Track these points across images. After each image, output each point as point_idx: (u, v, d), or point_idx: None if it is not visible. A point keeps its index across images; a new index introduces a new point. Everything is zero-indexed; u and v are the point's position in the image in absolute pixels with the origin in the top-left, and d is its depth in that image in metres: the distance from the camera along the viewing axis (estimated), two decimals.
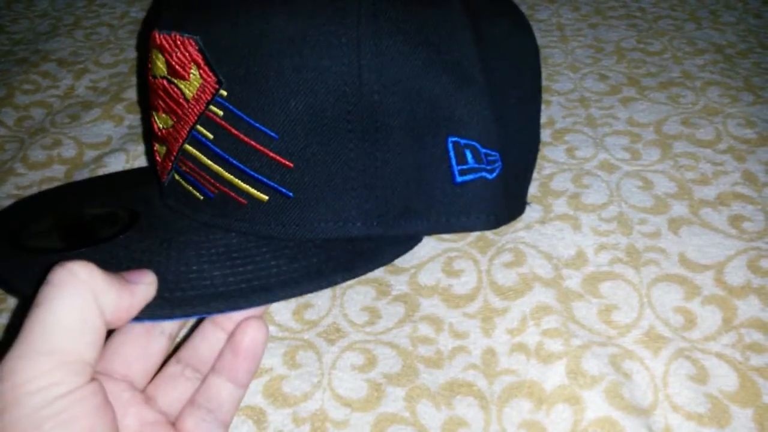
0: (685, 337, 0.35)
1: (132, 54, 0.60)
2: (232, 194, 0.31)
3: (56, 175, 0.48)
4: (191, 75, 0.30)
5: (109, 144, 0.50)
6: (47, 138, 0.51)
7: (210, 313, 0.29)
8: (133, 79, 0.57)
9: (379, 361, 0.35)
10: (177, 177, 0.33)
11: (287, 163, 0.30)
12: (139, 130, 0.51)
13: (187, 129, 0.31)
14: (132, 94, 0.55)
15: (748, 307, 0.36)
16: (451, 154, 0.31)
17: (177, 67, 0.30)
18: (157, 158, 0.35)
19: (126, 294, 0.26)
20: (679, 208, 0.42)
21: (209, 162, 0.31)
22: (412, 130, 0.30)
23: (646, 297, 0.37)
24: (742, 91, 0.52)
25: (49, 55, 0.60)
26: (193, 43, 0.30)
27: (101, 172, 0.47)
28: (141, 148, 0.49)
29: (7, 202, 0.45)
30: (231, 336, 0.30)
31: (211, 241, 0.32)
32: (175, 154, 0.32)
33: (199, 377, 0.30)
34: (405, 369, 0.34)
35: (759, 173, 0.44)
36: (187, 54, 0.30)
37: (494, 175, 0.32)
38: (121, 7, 0.67)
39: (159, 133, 0.34)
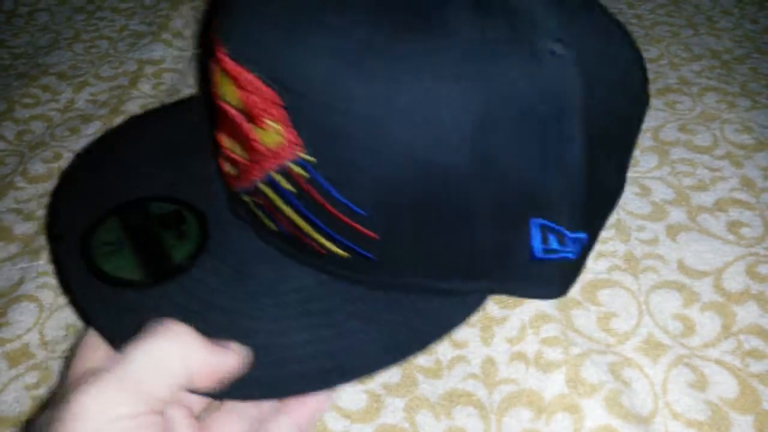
0: (685, 344, 0.35)
1: (132, 66, 0.60)
2: (312, 243, 0.30)
3: None
4: (271, 128, 0.27)
5: None
6: (47, 151, 0.51)
7: (293, 395, 0.29)
8: (133, 92, 0.57)
9: None
10: (248, 200, 0.31)
11: (373, 235, 0.28)
12: None
13: (263, 173, 0.29)
14: (132, 106, 0.55)
15: (747, 314, 0.36)
16: (535, 234, 0.29)
17: (254, 113, 0.27)
18: (224, 168, 0.32)
19: (214, 357, 0.27)
20: (677, 215, 0.42)
21: (288, 210, 0.29)
22: (501, 215, 0.28)
23: (644, 304, 0.37)
24: (739, 97, 0.52)
25: (48, 68, 0.61)
26: (278, 100, 0.26)
27: None
28: None
29: (7, 217, 0.45)
30: None
31: (286, 279, 0.31)
32: (245, 184, 0.30)
33: (255, 417, 0.29)
34: (404, 379, 0.34)
35: (757, 179, 0.45)
36: (267, 105, 0.26)
37: (577, 254, 0.30)
38: (120, 20, 0.68)
39: (227, 153, 0.31)
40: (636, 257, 0.40)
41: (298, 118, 0.26)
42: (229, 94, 0.28)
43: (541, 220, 0.28)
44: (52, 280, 0.41)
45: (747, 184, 0.44)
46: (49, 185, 0.48)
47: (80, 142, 0.52)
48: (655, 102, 0.52)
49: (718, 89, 0.53)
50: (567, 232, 0.29)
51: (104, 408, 0.23)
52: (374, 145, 0.25)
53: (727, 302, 0.37)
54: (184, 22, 0.65)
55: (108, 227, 0.32)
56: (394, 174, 0.26)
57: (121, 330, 0.28)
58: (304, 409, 0.29)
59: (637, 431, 0.31)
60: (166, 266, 0.31)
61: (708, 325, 0.36)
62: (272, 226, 0.31)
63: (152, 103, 0.56)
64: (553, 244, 0.29)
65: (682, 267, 0.39)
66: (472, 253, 0.29)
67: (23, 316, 0.38)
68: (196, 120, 0.38)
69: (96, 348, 0.29)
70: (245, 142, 0.28)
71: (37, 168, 0.49)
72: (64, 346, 0.37)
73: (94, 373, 0.24)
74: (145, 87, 0.58)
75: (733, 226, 0.41)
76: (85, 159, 0.38)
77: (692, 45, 0.60)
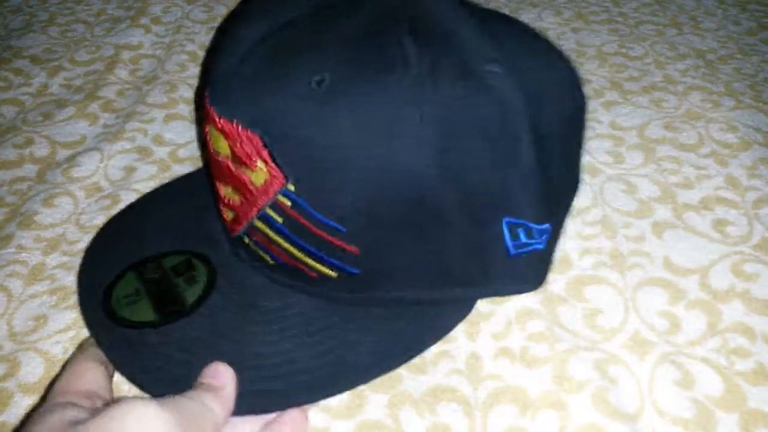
0: (671, 341, 0.35)
1: (109, 51, 0.58)
2: (303, 268, 0.33)
3: (27, 174, 0.46)
4: (257, 167, 0.30)
5: (83, 143, 0.49)
6: (19, 137, 0.49)
7: (306, 402, 0.31)
8: (110, 78, 0.55)
9: None
10: (247, 240, 0.35)
11: (353, 249, 0.31)
12: (114, 129, 0.50)
13: (256, 210, 0.32)
14: (108, 92, 0.54)
15: (732, 312, 0.36)
16: (506, 233, 0.31)
17: (243, 158, 0.31)
18: (224, 216, 0.36)
19: (227, 406, 0.29)
20: (662, 212, 0.42)
21: (279, 239, 0.32)
22: (471, 217, 0.31)
23: (631, 301, 0.37)
24: (723, 96, 0.52)
25: (21, 51, 0.59)
26: (259, 140, 0.30)
27: (74, 171, 0.46)
28: (116, 147, 0.48)
29: None
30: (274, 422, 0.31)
31: (288, 306, 0.34)
32: (243, 224, 0.34)
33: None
34: (388, 375, 0.33)
35: (741, 177, 0.44)
36: (252, 148, 0.30)
37: (544, 244, 0.33)
38: (97, 3, 0.66)
39: (225, 200, 0.35)
40: (622, 254, 0.39)
41: (278, 154, 0.29)
42: (221, 147, 0.32)
43: (508, 218, 0.31)
44: (22, 269, 0.39)
45: (732, 182, 0.44)
46: (20, 171, 0.46)
47: (53, 128, 0.50)
48: (640, 99, 0.52)
49: (703, 88, 0.53)
50: (533, 225, 0.32)
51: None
52: (346, 168, 0.29)
53: (713, 300, 0.37)
54: (163, 8, 0.64)
55: (126, 282, 0.36)
56: (367, 190, 0.29)
57: (140, 363, 0.32)
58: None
59: (623, 429, 0.31)
60: (179, 307, 0.34)
61: (694, 323, 0.36)
62: (269, 260, 0.34)
63: (129, 89, 0.54)
64: (523, 238, 0.31)
65: (668, 264, 0.39)
66: (452, 258, 0.32)
67: None
68: (196, 192, 0.41)
69: (88, 369, 0.30)
70: (239, 186, 0.32)
71: (8, 153, 0.47)
72: (33, 338, 0.36)
73: (129, 400, 0.25)
74: (122, 73, 0.56)
75: (719, 224, 0.41)
76: (105, 233, 0.40)
77: (677, 44, 0.60)
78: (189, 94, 0.54)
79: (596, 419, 0.31)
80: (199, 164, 0.47)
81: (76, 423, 0.24)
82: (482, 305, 0.36)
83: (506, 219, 0.31)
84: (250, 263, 0.36)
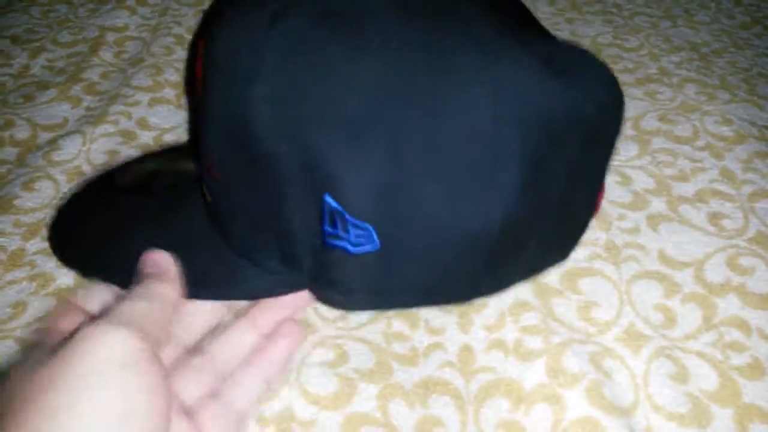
0: (666, 335, 0.34)
1: (93, 33, 0.57)
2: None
3: (7, 157, 0.45)
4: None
5: (65, 126, 0.47)
6: None
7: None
8: (93, 59, 0.54)
9: (351, 358, 0.33)
10: None
11: (217, 175, 0.31)
12: (97, 112, 0.48)
13: None
14: (91, 74, 0.52)
15: (728, 306, 0.36)
16: (325, 212, 0.27)
17: None
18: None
19: (176, 286, 0.30)
20: (657, 205, 0.42)
21: None
22: (303, 181, 0.27)
23: (626, 294, 0.36)
24: (718, 89, 0.52)
25: (2, 31, 0.57)
26: None
27: (55, 155, 0.44)
28: (99, 130, 0.46)
29: None
30: (271, 335, 0.31)
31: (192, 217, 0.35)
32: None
33: (218, 372, 0.30)
34: (378, 366, 0.33)
35: (737, 171, 0.44)
36: None
37: (357, 250, 0.28)
38: None
39: None
40: (617, 246, 0.39)
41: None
42: None
43: (329, 197, 0.27)
44: (1, 254, 0.38)
45: (727, 175, 0.44)
46: (0, 153, 0.45)
47: (34, 110, 0.48)
48: (635, 91, 0.52)
49: (697, 81, 0.53)
50: (348, 216, 0.27)
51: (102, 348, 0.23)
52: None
53: (709, 294, 0.36)
54: None
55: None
56: (224, 130, 0.29)
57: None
58: (272, 360, 0.30)
59: (618, 423, 0.30)
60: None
61: (689, 316, 0.35)
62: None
63: (113, 71, 0.53)
64: (338, 229, 0.27)
65: (663, 257, 0.38)
66: (284, 222, 0.29)
67: None
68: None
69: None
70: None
71: None
72: (11, 325, 0.34)
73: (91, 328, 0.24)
74: (106, 55, 0.54)
75: (714, 217, 0.41)
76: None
77: (671, 36, 0.59)
78: (175, 77, 0.52)
79: (591, 413, 0.31)
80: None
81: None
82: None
83: (327, 197, 0.27)
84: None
